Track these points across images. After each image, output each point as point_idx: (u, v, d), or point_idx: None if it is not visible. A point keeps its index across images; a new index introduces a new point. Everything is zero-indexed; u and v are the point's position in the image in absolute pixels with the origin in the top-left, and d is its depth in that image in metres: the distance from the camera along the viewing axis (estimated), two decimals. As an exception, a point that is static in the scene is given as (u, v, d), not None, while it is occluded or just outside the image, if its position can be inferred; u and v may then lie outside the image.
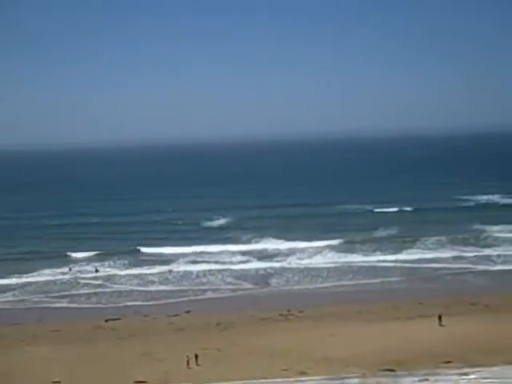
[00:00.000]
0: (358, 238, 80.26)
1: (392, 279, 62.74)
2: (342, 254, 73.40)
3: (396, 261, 69.46)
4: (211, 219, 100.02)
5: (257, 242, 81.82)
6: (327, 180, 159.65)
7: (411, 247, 75.01)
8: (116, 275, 68.47)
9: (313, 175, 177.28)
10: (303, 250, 76.15)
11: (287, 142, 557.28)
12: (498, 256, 69.72)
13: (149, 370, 38.03)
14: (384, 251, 73.82)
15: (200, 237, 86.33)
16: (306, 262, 70.98)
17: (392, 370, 35.29)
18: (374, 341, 41.78)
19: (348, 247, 76.60)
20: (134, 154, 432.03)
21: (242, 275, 66.72)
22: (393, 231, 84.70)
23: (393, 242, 78.49)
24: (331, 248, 76.15)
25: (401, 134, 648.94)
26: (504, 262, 67.36)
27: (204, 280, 65.79)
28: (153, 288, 63.35)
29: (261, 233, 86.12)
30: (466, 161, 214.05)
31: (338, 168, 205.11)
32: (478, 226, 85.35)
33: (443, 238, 77.38)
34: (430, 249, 73.93)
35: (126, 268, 71.34)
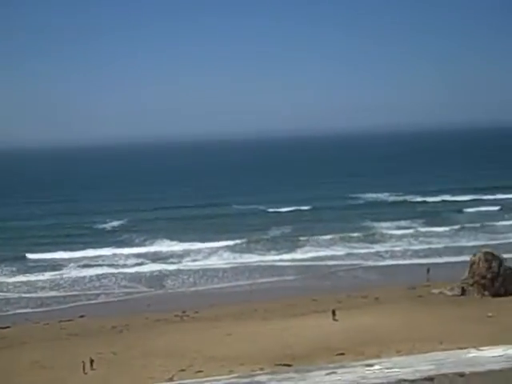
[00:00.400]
0: (254, 238, 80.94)
1: (287, 278, 63.75)
2: (237, 255, 73.79)
3: (290, 259, 70.67)
4: (104, 222, 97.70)
5: (151, 244, 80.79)
6: (223, 180, 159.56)
7: (305, 245, 76.59)
8: (3, 282, 65.41)
9: (210, 176, 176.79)
10: (198, 251, 75.92)
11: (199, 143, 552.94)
12: (386, 251, 72.54)
13: (40, 378, 36.56)
14: (279, 250, 74.95)
15: (93, 240, 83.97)
16: (201, 263, 70.78)
17: (288, 365, 35.92)
18: (270, 338, 42.25)
19: (243, 247, 77.11)
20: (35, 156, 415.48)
21: (136, 278, 65.59)
22: (287, 230, 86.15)
23: (287, 241, 79.80)
24: (226, 248, 76.35)
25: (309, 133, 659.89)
26: (392, 257, 70.17)
27: (97, 284, 64.12)
28: (43, 294, 60.98)
29: (155, 235, 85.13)
30: (364, 160, 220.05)
31: (236, 168, 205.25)
32: (367, 223, 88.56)
33: (336, 236, 79.54)
34: (322, 246, 75.77)
35: (14, 275, 68.26)
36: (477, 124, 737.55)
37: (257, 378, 2.32)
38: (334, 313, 46.24)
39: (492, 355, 2.21)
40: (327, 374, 2.30)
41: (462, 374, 2.10)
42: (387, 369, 2.24)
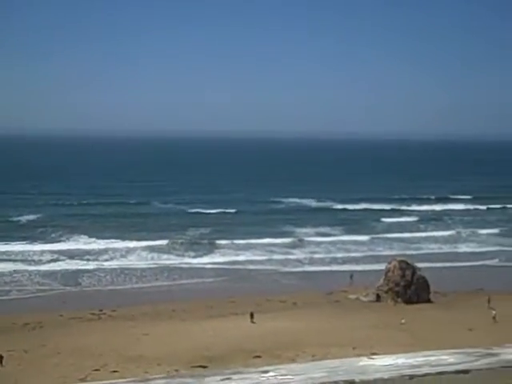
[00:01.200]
0: (174, 239, 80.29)
1: (206, 279, 63.49)
2: (156, 255, 72.93)
3: (211, 262, 70.42)
4: (19, 216, 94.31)
5: (67, 241, 78.71)
6: (151, 179, 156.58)
7: (224, 248, 76.57)
8: None
9: (138, 174, 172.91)
10: (117, 250, 74.62)
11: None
12: (305, 258, 73.45)
13: None
14: (198, 252, 74.66)
15: (5, 235, 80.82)
16: (119, 262, 69.55)
17: (204, 367, 35.87)
18: (187, 339, 42.03)
19: (163, 247, 76.31)
20: None
21: (51, 275, 63.70)
22: (207, 232, 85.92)
23: (208, 243, 79.35)
24: (146, 248, 75.39)
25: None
26: (311, 263, 71.14)
27: (8, 280, 61.82)
28: (-51, 290, 58.35)
29: (72, 231, 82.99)
30: (300, 165, 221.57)
31: (168, 167, 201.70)
32: (289, 229, 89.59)
33: (256, 240, 79.86)
34: (242, 250, 75.94)
35: None
36: (456, 136, 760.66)
37: (152, 383, 2.32)
38: (252, 315, 46.50)
39: (382, 364, 2.30)
40: (222, 380, 2.34)
41: (352, 382, 2.17)
42: (281, 375, 2.30)
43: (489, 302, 52.17)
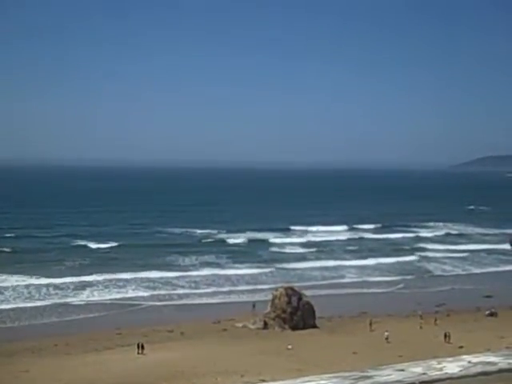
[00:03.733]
0: (52, 273, 76.64)
1: (88, 315, 60.93)
2: (34, 289, 69.25)
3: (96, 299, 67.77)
4: None
5: None
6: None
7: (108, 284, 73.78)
8: None
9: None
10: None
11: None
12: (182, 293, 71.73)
13: None
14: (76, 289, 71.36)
15: None
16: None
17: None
18: (71, 374, 40.34)
19: (41, 283, 72.62)
20: None
21: None
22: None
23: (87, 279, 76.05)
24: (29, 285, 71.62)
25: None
26: (182, 297, 69.26)
27: None
28: None
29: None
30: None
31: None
32: (172, 258, 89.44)
33: (137, 275, 77.62)
34: (124, 287, 72.77)
35: None
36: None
37: None
38: (139, 346, 45.48)
39: None
40: None
41: None
42: None
43: (370, 324, 54.23)
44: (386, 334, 49.83)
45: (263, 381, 36.37)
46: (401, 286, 77.02)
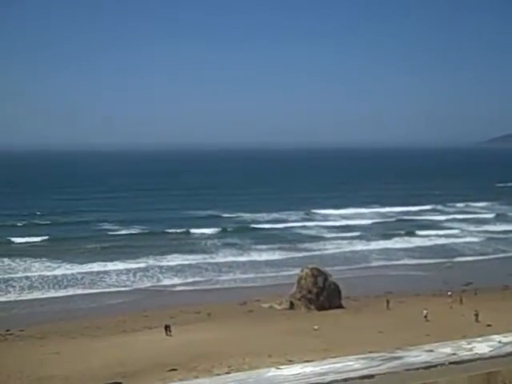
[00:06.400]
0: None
1: (118, 300, 61.37)
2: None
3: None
4: None
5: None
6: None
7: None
8: None
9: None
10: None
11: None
12: (208, 275, 72.77)
13: None
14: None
15: None
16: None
17: (118, 383, 35.17)
18: (101, 355, 41.02)
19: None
20: None
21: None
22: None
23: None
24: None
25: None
26: (208, 280, 70.37)
27: None
28: None
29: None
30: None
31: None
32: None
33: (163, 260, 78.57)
34: (146, 272, 73.70)
35: None
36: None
37: None
38: (167, 328, 45.96)
39: (290, 373, 2.38)
40: None
41: None
42: None
43: (388, 303, 54.21)
44: (425, 312, 49.88)
45: (290, 361, 36.59)
46: (426, 264, 76.46)
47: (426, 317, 49.44)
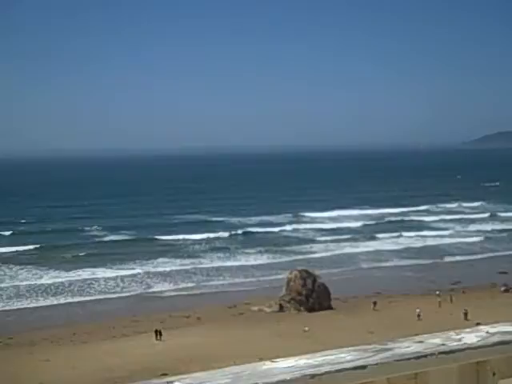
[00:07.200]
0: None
1: (106, 306, 61.15)
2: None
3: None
4: None
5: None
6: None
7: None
8: None
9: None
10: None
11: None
12: (196, 280, 72.62)
13: None
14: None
15: None
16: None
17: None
18: (90, 362, 40.89)
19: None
20: None
21: None
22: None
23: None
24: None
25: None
26: (197, 284, 70.28)
27: None
28: None
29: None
30: None
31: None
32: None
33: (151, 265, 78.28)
34: (133, 277, 73.97)
35: None
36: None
37: None
38: (157, 333, 45.83)
39: (284, 366, 2.44)
40: None
41: None
42: None
43: (374, 304, 54.41)
44: (418, 310, 50.17)
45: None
46: (415, 265, 76.78)
47: (419, 316, 49.68)
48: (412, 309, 51.99)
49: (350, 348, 2.65)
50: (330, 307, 56.78)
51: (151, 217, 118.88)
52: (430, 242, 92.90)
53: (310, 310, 55.73)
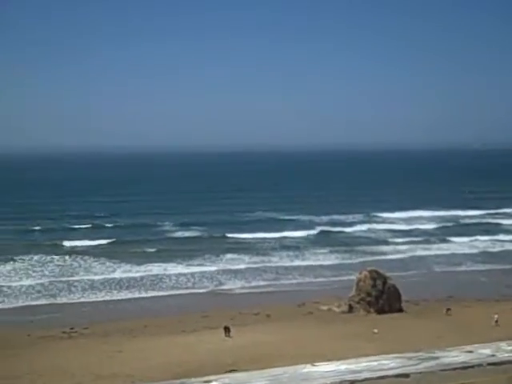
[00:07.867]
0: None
1: (178, 300, 62.19)
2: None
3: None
4: None
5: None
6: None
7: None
8: None
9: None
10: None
11: None
12: (267, 278, 72.93)
13: None
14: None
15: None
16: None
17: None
18: (160, 355, 41.58)
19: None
20: None
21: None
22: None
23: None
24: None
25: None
26: (267, 282, 70.63)
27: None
28: None
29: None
30: None
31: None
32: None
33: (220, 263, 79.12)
34: (204, 274, 75.21)
35: None
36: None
37: None
38: (225, 329, 46.26)
39: (325, 370, 2.40)
40: None
41: None
42: None
43: (447, 310, 52.86)
44: (496, 316, 48.50)
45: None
46: (491, 270, 74.50)
47: (496, 322, 48.10)
48: (486, 314, 50.45)
49: (394, 355, 2.61)
50: (400, 309, 55.85)
51: (221, 213, 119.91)
52: (509, 247, 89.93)
53: (380, 311, 54.96)
